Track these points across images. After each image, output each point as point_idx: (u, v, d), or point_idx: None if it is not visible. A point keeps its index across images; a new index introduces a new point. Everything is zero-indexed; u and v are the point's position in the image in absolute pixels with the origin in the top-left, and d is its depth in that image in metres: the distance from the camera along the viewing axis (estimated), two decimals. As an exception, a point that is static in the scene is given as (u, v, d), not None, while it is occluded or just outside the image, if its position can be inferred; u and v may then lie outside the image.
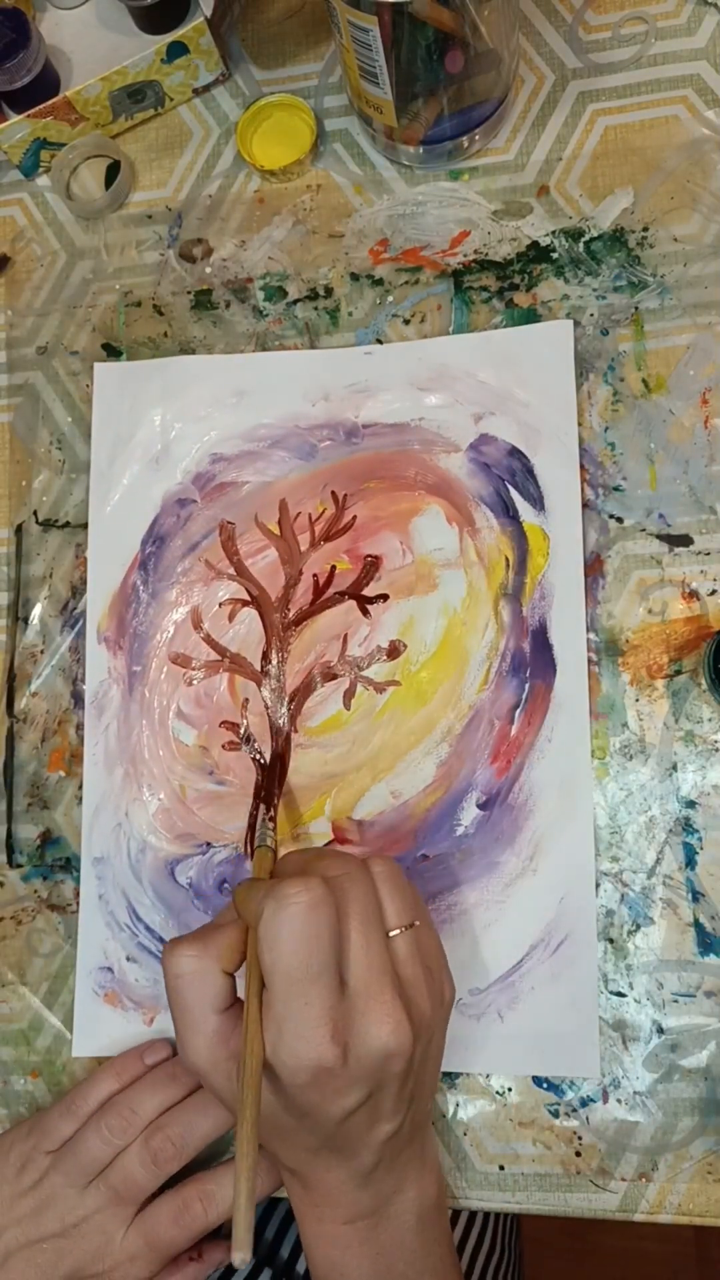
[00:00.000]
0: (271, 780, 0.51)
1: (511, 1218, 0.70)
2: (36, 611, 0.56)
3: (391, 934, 0.40)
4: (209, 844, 0.52)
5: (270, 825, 0.49)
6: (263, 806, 0.50)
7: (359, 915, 0.39)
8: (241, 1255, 0.33)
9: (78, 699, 0.55)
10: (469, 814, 0.50)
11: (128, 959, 0.52)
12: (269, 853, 0.46)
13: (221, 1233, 0.50)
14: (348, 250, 0.56)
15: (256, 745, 0.52)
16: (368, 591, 0.53)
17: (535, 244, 0.54)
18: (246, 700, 0.53)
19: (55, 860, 0.54)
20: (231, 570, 0.54)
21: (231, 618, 0.54)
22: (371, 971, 0.38)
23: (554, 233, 0.54)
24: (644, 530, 0.51)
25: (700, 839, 0.48)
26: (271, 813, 0.49)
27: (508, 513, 0.52)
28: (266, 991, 0.38)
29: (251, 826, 0.51)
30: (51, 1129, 0.48)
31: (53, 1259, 0.46)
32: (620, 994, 0.48)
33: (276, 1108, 0.39)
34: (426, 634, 0.52)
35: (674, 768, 0.49)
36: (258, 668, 0.53)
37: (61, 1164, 0.47)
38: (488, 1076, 0.48)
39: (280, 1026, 0.37)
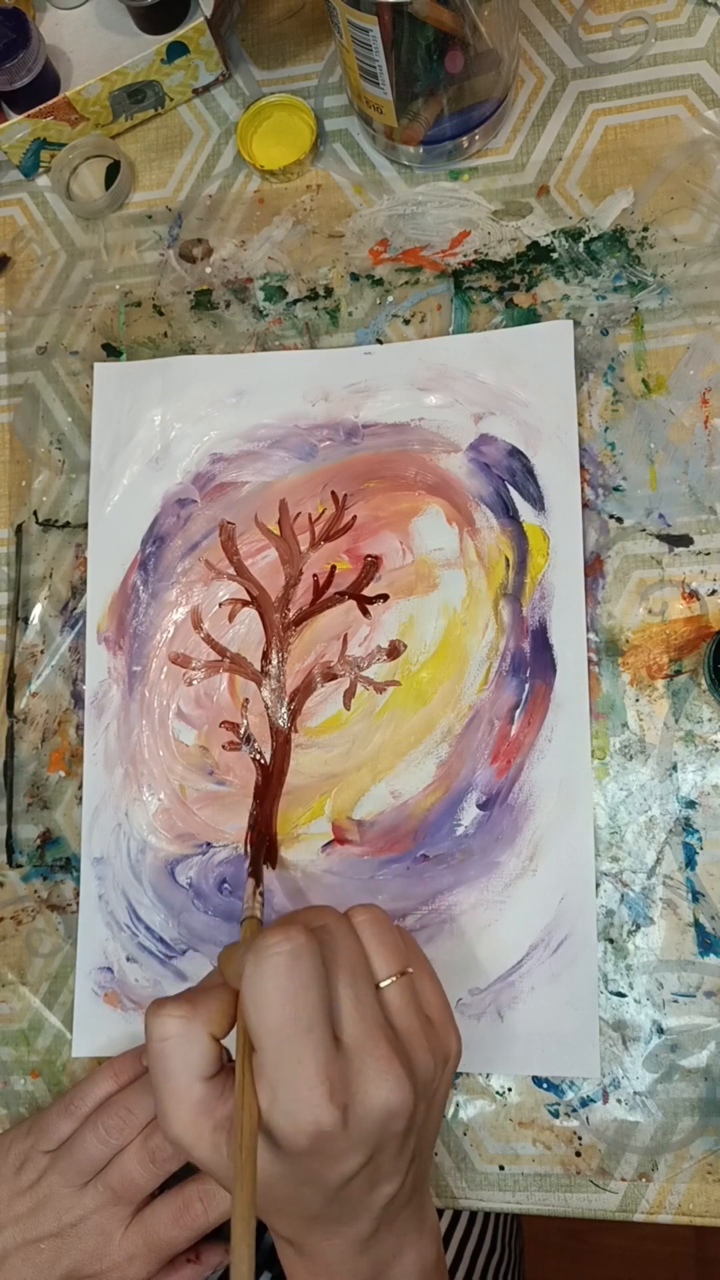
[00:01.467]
0: (259, 854, 0.50)
1: (512, 1218, 0.70)
2: (36, 611, 0.56)
3: (382, 984, 0.38)
4: (209, 844, 0.52)
5: (258, 900, 0.47)
6: (251, 880, 0.48)
7: (345, 967, 0.37)
8: None
9: (78, 699, 0.55)
10: (469, 814, 0.50)
11: (128, 959, 0.52)
12: (256, 923, 0.44)
13: (220, 1235, 0.50)
14: (348, 250, 0.56)
15: (256, 745, 0.52)
16: (368, 591, 0.53)
17: (535, 244, 0.54)
18: (246, 700, 0.53)
19: (55, 860, 0.54)
20: (231, 570, 0.54)
21: (231, 618, 0.54)
22: (364, 1025, 0.36)
23: (554, 233, 0.54)
24: (644, 530, 0.51)
25: (700, 839, 0.48)
26: (260, 887, 0.47)
27: (508, 513, 0.52)
28: (256, 1055, 0.36)
29: (252, 826, 0.51)
30: (50, 1129, 0.48)
31: (50, 1259, 0.46)
32: (620, 994, 0.48)
33: (272, 1177, 0.36)
34: (426, 634, 0.52)
35: (674, 768, 0.49)
36: (258, 668, 0.53)
37: (59, 1164, 0.47)
38: (488, 1076, 0.48)
39: (274, 1090, 0.35)
